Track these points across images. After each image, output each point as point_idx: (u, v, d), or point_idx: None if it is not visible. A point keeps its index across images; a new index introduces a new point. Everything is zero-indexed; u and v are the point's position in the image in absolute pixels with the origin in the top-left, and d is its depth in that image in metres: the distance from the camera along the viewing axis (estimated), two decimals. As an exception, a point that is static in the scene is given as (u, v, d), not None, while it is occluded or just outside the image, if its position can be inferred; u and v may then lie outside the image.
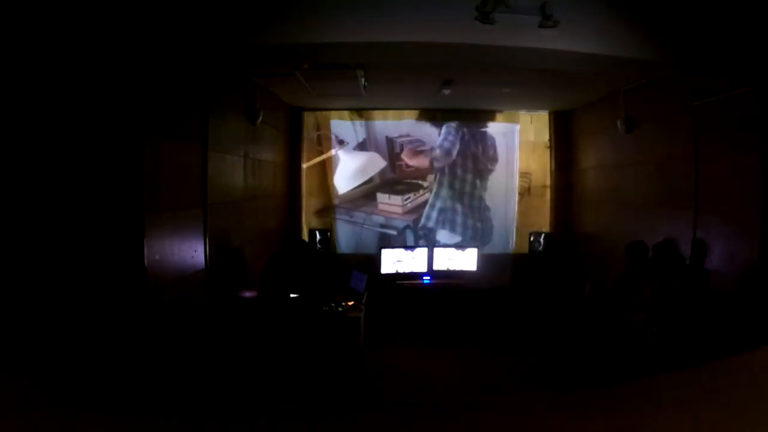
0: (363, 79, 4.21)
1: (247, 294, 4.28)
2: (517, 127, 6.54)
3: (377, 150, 5.71)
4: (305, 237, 5.97)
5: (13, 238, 2.33)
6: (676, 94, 4.00)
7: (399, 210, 5.47)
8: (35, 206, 2.41)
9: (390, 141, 5.71)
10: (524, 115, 6.51)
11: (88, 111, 2.52)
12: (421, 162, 5.72)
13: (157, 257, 2.78)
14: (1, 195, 2.32)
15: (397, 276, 5.65)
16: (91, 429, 1.12)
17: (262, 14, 2.66)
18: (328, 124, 6.40)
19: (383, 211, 5.52)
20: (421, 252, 5.79)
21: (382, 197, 5.52)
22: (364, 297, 4.77)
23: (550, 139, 6.47)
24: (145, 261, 2.64)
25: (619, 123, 4.79)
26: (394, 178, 5.62)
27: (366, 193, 5.58)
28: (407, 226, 5.43)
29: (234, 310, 3.97)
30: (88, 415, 1.17)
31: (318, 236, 5.88)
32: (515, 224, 6.54)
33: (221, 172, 3.84)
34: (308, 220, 6.33)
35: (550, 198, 6.49)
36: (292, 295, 4.30)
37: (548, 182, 6.43)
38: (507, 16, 2.64)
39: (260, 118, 4.61)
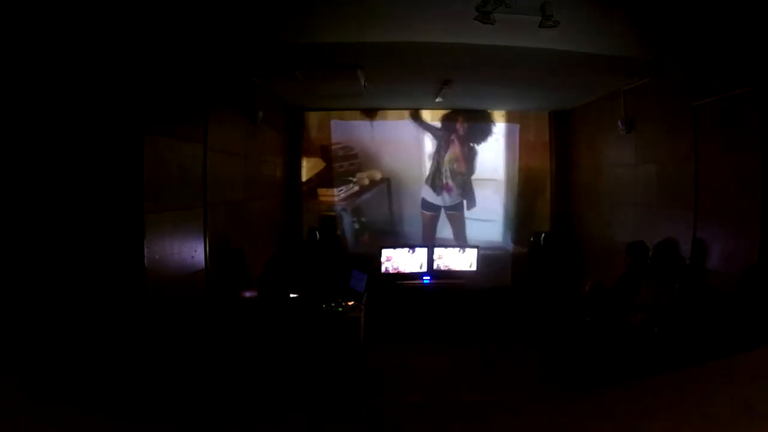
0: (363, 79, 4.21)
1: (248, 294, 4.28)
2: (517, 127, 6.55)
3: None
4: (305, 236, 5.97)
5: (13, 237, 2.33)
6: (676, 94, 3.99)
7: (334, 199, 6.45)
8: (35, 206, 2.41)
9: (324, 148, 6.47)
10: (525, 115, 6.52)
11: (89, 111, 2.52)
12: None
13: (157, 257, 2.78)
14: (1, 195, 2.32)
15: (397, 276, 5.66)
16: (90, 430, 1.12)
17: (262, 14, 2.67)
18: (329, 124, 6.42)
19: (321, 201, 6.54)
20: (421, 252, 5.80)
21: (320, 191, 6.55)
22: (364, 297, 4.77)
23: (550, 138, 6.47)
24: (145, 261, 2.64)
25: (619, 123, 4.79)
26: (329, 177, 6.50)
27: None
28: (343, 209, 6.43)
29: (234, 310, 3.96)
30: (87, 416, 1.17)
31: (318, 235, 5.87)
32: (515, 224, 6.55)
33: (221, 172, 3.84)
34: (308, 220, 6.35)
35: (550, 197, 6.50)
36: (292, 295, 4.30)
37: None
38: (507, 16, 2.64)
39: (260, 118, 4.61)
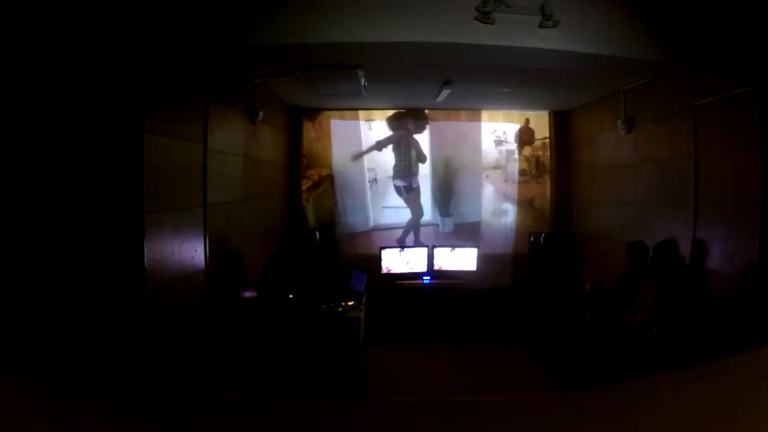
0: (363, 79, 4.21)
1: (247, 294, 4.28)
2: (517, 127, 6.56)
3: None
4: (305, 237, 5.97)
5: (12, 237, 2.33)
6: (676, 94, 3.99)
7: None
8: (35, 206, 2.41)
9: None
10: (524, 115, 6.54)
11: (88, 111, 2.52)
12: None
13: (157, 257, 2.78)
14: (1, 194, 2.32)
15: (397, 276, 5.66)
16: (90, 430, 1.12)
17: (261, 14, 2.67)
18: (329, 124, 6.43)
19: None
20: (421, 252, 5.80)
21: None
22: (364, 297, 4.77)
23: (550, 138, 6.48)
24: (145, 261, 2.64)
25: (619, 123, 4.79)
26: None
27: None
28: (306, 200, 6.67)
29: (234, 310, 3.96)
30: (87, 417, 1.18)
31: (318, 236, 5.88)
32: (515, 224, 6.56)
33: (221, 172, 3.84)
34: (308, 220, 6.36)
35: (549, 198, 6.50)
36: (291, 296, 4.30)
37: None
38: (507, 16, 2.64)
39: (260, 118, 4.61)
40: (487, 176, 6.53)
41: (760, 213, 3.13)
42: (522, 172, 6.50)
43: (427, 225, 6.62)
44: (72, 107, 2.49)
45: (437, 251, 5.81)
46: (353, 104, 6.16)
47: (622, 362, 3.48)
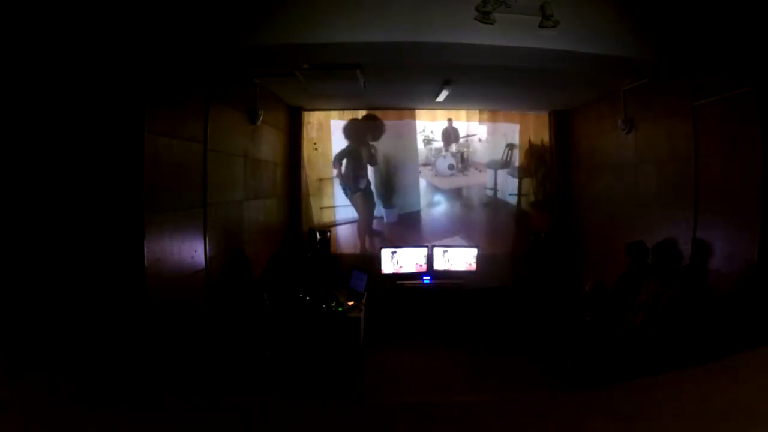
0: (362, 79, 4.21)
1: (248, 294, 4.28)
2: (517, 127, 6.57)
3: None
4: (305, 237, 5.97)
5: (13, 238, 2.33)
6: (676, 94, 3.99)
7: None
8: (35, 207, 2.41)
9: None
10: (524, 116, 6.54)
11: (88, 111, 2.52)
12: None
13: (157, 257, 2.78)
14: (1, 195, 2.32)
15: (398, 276, 5.66)
16: (88, 430, 1.12)
17: (261, 14, 2.67)
18: (329, 124, 6.43)
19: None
20: (421, 252, 5.80)
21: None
22: (364, 297, 4.77)
23: (550, 138, 6.49)
24: (145, 261, 2.64)
25: (619, 123, 4.79)
26: None
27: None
28: None
29: (234, 310, 3.96)
30: (87, 417, 1.18)
31: (318, 236, 5.87)
32: (514, 224, 6.57)
33: (221, 172, 3.84)
34: (309, 220, 6.36)
35: (550, 196, 6.51)
36: (291, 295, 4.30)
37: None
38: (507, 16, 2.64)
39: (260, 118, 4.61)
40: (420, 171, 6.89)
41: (760, 213, 3.13)
42: (450, 167, 6.93)
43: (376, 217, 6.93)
44: (72, 107, 2.49)
45: (437, 251, 5.81)
46: (353, 104, 6.16)
47: (622, 362, 3.48)
